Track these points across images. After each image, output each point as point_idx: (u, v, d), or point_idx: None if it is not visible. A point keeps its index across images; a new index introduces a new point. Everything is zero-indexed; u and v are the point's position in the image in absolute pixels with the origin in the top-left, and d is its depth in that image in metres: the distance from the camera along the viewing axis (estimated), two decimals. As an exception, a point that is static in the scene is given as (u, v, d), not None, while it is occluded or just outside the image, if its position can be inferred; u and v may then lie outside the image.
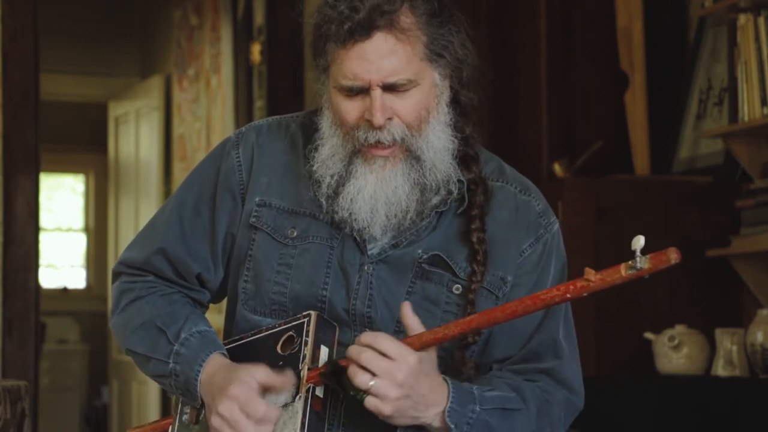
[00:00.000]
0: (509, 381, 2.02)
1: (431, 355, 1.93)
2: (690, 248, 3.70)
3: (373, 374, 1.88)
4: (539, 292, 1.90)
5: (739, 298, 3.83)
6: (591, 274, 1.85)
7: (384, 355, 1.88)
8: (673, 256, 1.82)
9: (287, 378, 1.95)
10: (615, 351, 3.70)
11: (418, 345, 1.93)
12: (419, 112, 1.99)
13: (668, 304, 3.73)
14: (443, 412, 1.93)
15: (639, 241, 1.83)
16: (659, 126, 4.19)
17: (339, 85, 1.98)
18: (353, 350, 1.90)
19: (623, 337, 3.71)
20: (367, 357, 1.88)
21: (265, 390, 1.95)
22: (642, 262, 1.82)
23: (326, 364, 1.94)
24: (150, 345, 2.07)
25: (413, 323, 1.92)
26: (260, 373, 1.96)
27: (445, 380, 1.94)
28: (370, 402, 1.89)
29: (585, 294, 1.86)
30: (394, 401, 1.88)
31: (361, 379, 1.88)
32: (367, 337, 1.90)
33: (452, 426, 1.94)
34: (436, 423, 1.94)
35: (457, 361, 2.03)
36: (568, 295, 1.86)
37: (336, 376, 1.92)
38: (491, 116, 4.12)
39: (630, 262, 1.83)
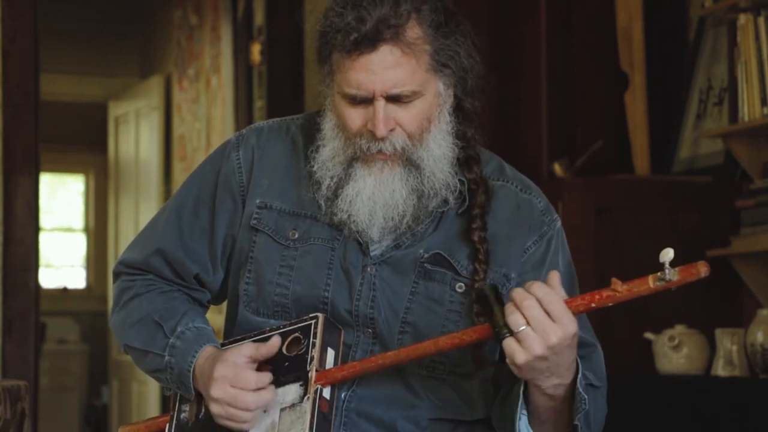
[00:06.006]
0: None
1: (578, 329, 1.88)
2: (690, 248, 3.69)
3: (527, 322, 1.83)
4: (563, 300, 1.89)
5: (739, 298, 3.83)
6: (618, 284, 1.84)
7: (547, 312, 1.83)
8: (703, 269, 1.81)
9: (272, 344, 1.95)
10: (615, 351, 3.69)
11: (434, 349, 1.93)
12: (421, 122, 1.99)
13: (668, 304, 3.73)
14: (568, 384, 1.91)
15: (668, 254, 1.82)
16: (659, 126, 4.18)
17: (343, 92, 1.99)
18: (518, 293, 1.84)
19: (623, 337, 3.71)
20: (530, 305, 1.83)
21: (255, 361, 1.96)
22: (671, 275, 1.82)
23: (488, 284, 1.90)
24: (147, 339, 2.08)
25: (562, 294, 1.87)
26: (246, 348, 1.96)
27: (577, 359, 1.92)
28: (509, 343, 1.83)
29: (610, 304, 1.85)
30: (532, 357, 1.83)
31: (515, 320, 1.83)
32: (539, 289, 1.84)
33: (586, 396, 1.93)
34: (550, 391, 1.90)
35: (475, 358, 2.03)
36: (593, 305, 1.86)
37: (489, 301, 1.87)
38: (492, 116, 4.12)
39: (659, 274, 1.82)
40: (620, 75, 4.18)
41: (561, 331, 1.83)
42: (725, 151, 3.89)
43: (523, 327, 1.83)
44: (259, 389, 1.94)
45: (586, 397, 1.94)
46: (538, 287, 1.84)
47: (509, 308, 1.84)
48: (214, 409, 1.96)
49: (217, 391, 1.94)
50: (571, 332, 1.84)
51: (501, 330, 1.85)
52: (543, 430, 1.98)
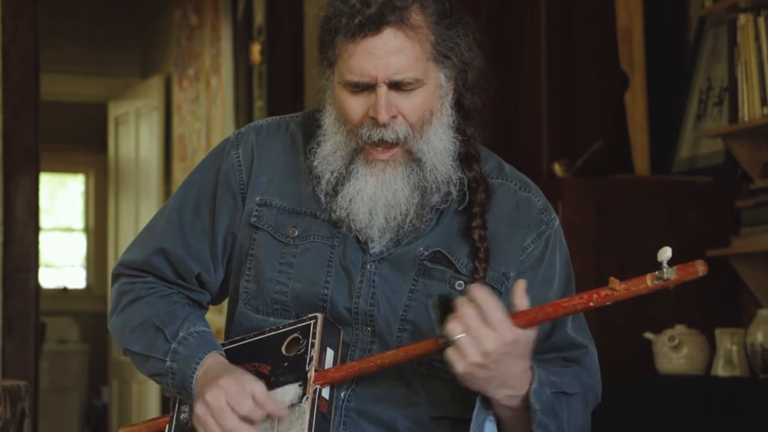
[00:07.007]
0: (554, 367, 2.01)
1: (528, 339, 1.89)
2: (690, 248, 3.69)
3: (465, 330, 1.84)
4: (561, 300, 1.89)
5: (739, 298, 3.83)
6: (615, 283, 1.84)
7: (486, 320, 1.84)
8: (700, 268, 1.81)
9: (278, 409, 1.94)
10: (615, 351, 3.69)
11: (434, 348, 1.93)
12: (423, 113, 1.99)
13: (668, 304, 3.73)
14: (523, 395, 1.91)
15: (666, 252, 1.82)
16: (659, 126, 4.18)
17: (344, 81, 1.99)
18: (460, 302, 1.86)
19: (623, 337, 3.71)
20: (467, 313, 1.85)
21: (257, 404, 1.94)
22: (669, 273, 1.82)
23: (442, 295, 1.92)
24: (148, 344, 2.07)
25: (522, 303, 1.88)
26: (259, 387, 1.95)
27: (532, 368, 1.92)
28: (450, 352, 1.86)
29: (608, 303, 1.86)
30: (471, 365, 1.85)
31: (452, 328, 1.85)
32: (479, 295, 1.86)
33: (537, 407, 1.92)
34: (505, 402, 1.91)
35: None
36: (591, 304, 1.86)
37: (438, 309, 1.88)
38: (491, 115, 4.11)
39: (656, 273, 1.83)
40: (620, 75, 4.18)
41: (496, 338, 1.84)
42: (725, 151, 3.89)
43: (460, 335, 1.84)
44: (244, 419, 1.93)
45: (537, 408, 1.92)
46: (479, 294, 1.86)
47: (450, 318, 1.86)
48: (199, 409, 1.95)
49: (211, 396, 1.94)
50: (508, 339, 1.85)
51: (446, 338, 1.87)
52: None
